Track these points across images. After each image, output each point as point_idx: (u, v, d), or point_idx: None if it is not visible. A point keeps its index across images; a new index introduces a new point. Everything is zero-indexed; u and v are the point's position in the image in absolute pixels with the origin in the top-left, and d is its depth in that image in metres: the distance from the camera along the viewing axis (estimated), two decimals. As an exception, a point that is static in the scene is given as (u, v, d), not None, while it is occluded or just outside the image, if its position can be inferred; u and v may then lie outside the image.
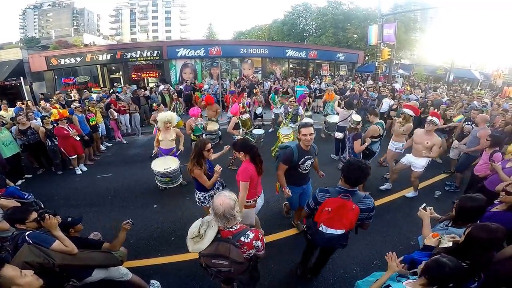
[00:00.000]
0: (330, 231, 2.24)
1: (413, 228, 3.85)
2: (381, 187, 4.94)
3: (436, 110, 7.40)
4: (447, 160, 5.96)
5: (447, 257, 1.49)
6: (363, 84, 13.09)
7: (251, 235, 1.84)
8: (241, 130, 5.53)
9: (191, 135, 5.49)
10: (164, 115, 4.61)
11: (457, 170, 4.99)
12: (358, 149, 4.30)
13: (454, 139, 5.91)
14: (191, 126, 5.41)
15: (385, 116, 8.53)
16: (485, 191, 3.58)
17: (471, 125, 5.25)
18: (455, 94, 10.71)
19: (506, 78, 18.53)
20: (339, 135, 5.97)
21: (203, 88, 11.39)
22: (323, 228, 2.25)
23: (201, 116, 5.86)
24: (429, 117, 4.25)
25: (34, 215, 2.13)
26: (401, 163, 4.63)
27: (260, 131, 6.38)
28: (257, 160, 2.81)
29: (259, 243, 1.87)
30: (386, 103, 8.68)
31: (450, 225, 2.33)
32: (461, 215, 2.23)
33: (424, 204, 2.50)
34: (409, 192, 4.73)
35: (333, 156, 6.42)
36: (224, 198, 1.78)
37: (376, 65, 17.06)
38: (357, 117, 4.42)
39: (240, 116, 5.50)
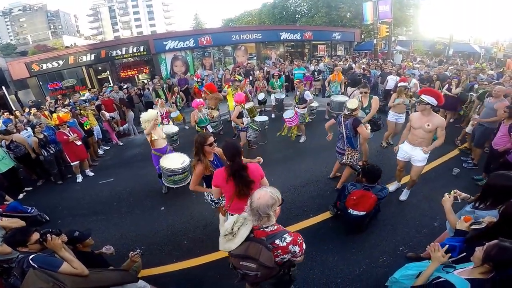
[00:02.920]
0: (355, 212, 3.15)
1: (435, 207, 3.76)
2: (390, 189, 4.10)
3: (442, 84, 7.36)
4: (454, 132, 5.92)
5: (508, 241, 1.42)
6: (363, 63, 12.87)
7: (288, 239, 1.69)
8: (245, 119, 5.39)
9: (196, 126, 5.44)
10: (149, 115, 4.31)
11: (476, 145, 4.86)
12: (366, 135, 3.89)
13: (472, 114, 5.77)
14: (195, 118, 5.36)
15: (392, 93, 8.39)
16: (509, 167, 3.48)
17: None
18: (460, 68, 10.54)
19: (506, 51, 18.40)
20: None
21: (199, 79, 11.11)
22: (350, 210, 3.18)
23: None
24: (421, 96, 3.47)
25: (35, 236, 1.99)
26: (399, 159, 3.92)
27: (264, 118, 6.28)
28: (237, 179, 2.26)
29: (296, 248, 1.70)
30: (392, 80, 8.51)
31: (478, 206, 2.17)
32: (491, 195, 2.08)
33: (453, 191, 2.37)
34: (402, 195, 4.04)
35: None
36: (264, 194, 1.67)
37: (375, 42, 16.80)
38: (352, 104, 3.75)
39: (243, 105, 5.32)
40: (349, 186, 3.32)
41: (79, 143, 5.52)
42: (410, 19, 24.63)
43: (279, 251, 1.68)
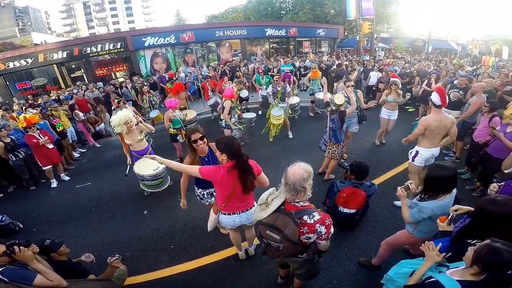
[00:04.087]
0: (346, 210, 3.22)
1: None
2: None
3: (422, 80, 7.65)
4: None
5: (500, 242, 1.38)
6: (345, 59, 13.12)
7: (317, 217, 1.73)
8: (233, 119, 5.29)
9: (169, 128, 5.09)
10: (119, 117, 3.92)
11: (456, 138, 5.08)
12: (352, 108, 4.17)
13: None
14: (169, 119, 5.02)
15: (374, 88, 8.64)
16: (489, 159, 3.66)
17: (458, 91, 5.37)
18: (440, 64, 10.99)
19: (482, 48, 19.41)
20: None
21: (175, 77, 10.83)
22: (341, 208, 3.24)
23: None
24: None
25: (1, 248, 1.85)
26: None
27: (252, 115, 6.30)
28: (243, 175, 2.17)
29: (323, 229, 1.73)
30: (374, 76, 8.75)
31: (423, 197, 2.19)
32: (431, 186, 2.13)
33: (408, 183, 2.36)
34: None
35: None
36: (298, 169, 1.71)
37: (358, 39, 17.18)
38: (338, 99, 3.83)
39: (233, 100, 5.19)
40: (338, 183, 3.33)
41: (50, 146, 5.19)
42: (392, 16, 25.45)
43: (306, 228, 1.72)
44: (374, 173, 4.50)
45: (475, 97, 4.68)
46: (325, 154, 4.34)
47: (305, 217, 1.72)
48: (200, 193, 3.09)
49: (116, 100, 6.80)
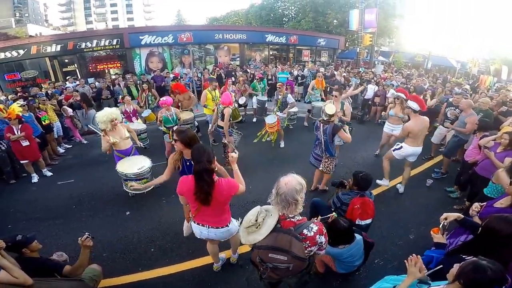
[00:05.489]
0: (364, 222, 3.00)
1: (411, 219, 3.97)
2: (378, 181, 4.67)
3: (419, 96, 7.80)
4: (428, 145, 6.05)
5: (487, 260, 1.40)
6: (344, 71, 13.34)
7: (315, 228, 1.71)
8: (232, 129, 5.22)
9: (162, 126, 5.17)
10: (105, 114, 3.96)
11: (445, 155, 5.22)
12: (348, 138, 3.96)
13: (438, 124, 6.19)
14: (160, 118, 5.07)
15: (370, 102, 8.80)
16: (476, 177, 3.77)
17: (454, 109, 5.53)
18: (437, 81, 11.27)
19: (481, 67, 19.96)
20: None
21: (179, 77, 10.90)
22: (359, 221, 2.98)
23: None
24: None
25: None
26: (401, 158, 4.45)
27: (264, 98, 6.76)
28: (197, 183, 2.08)
29: (322, 239, 1.73)
30: (371, 89, 8.90)
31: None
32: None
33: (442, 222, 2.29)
34: (400, 188, 4.66)
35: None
36: (291, 179, 1.67)
37: (358, 51, 17.51)
38: (330, 109, 3.78)
39: (232, 106, 5.06)
40: (343, 196, 3.11)
41: (25, 143, 5.05)
42: (394, 30, 26.00)
43: (308, 242, 1.68)
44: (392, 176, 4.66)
45: (469, 115, 4.77)
46: (321, 168, 4.18)
47: (305, 231, 1.69)
48: None
49: (120, 97, 7.37)
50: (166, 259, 3.27)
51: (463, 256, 1.78)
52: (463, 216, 2.21)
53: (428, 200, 4.48)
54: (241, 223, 1.88)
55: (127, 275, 3.04)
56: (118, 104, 7.20)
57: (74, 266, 2.27)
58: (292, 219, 1.73)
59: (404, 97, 5.25)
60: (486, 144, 3.74)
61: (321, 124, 3.92)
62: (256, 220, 1.71)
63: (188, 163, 2.77)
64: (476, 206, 2.55)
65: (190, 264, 3.17)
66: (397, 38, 29.27)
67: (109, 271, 2.96)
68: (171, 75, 10.96)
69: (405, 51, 26.74)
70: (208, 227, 2.39)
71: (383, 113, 5.57)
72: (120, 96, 7.15)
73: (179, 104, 6.69)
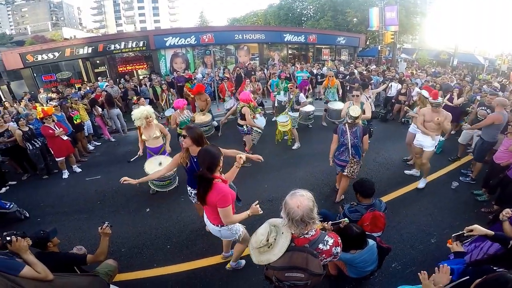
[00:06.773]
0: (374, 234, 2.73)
1: (433, 222, 3.72)
2: (406, 172, 4.99)
3: (445, 94, 7.27)
4: (455, 145, 5.71)
5: None
6: (364, 68, 12.81)
7: (331, 241, 1.64)
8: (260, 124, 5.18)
9: (177, 129, 5.20)
10: (140, 111, 4.08)
11: (476, 159, 4.77)
12: (367, 146, 3.82)
13: (465, 123, 5.72)
14: (176, 120, 5.13)
15: (393, 100, 8.38)
16: (508, 181, 3.46)
17: (485, 110, 5.06)
18: (465, 78, 10.51)
19: (511, 63, 18.38)
20: None
21: (193, 78, 11.00)
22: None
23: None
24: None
25: None
26: (414, 146, 4.64)
27: (310, 107, 6.59)
28: (198, 177, 2.15)
29: (338, 249, 1.67)
30: (394, 87, 8.47)
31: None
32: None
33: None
34: (420, 183, 4.54)
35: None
36: (301, 199, 1.52)
37: (379, 49, 16.80)
38: (354, 111, 3.62)
39: (251, 104, 5.00)
40: (351, 214, 2.79)
41: (65, 138, 5.38)
42: (417, 27, 24.67)
43: (324, 255, 1.63)
44: (383, 191, 4.33)
45: (494, 112, 4.37)
46: (345, 173, 3.86)
47: (320, 246, 1.62)
48: (189, 191, 3.16)
49: (135, 98, 7.53)
50: (181, 256, 3.29)
51: (494, 268, 1.65)
52: (493, 233, 1.99)
53: (453, 202, 4.17)
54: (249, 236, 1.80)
55: (142, 270, 3.08)
56: (132, 106, 7.34)
57: (96, 253, 2.37)
58: (306, 236, 1.62)
59: (426, 95, 4.90)
60: None
61: (347, 127, 3.68)
62: (268, 240, 1.62)
63: (195, 160, 2.77)
64: (507, 212, 2.36)
65: (204, 262, 3.15)
66: (421, 35, 27.78)
67: (126, 266, 3.04)
68: (199, 75, 11.06)
69: (429, 48, 25.32)
70: (208, 221, 2.53)
71: (405, 108, 5.26)
72: (135, 98, 7.35)
73: (196, 104, 6.72)
